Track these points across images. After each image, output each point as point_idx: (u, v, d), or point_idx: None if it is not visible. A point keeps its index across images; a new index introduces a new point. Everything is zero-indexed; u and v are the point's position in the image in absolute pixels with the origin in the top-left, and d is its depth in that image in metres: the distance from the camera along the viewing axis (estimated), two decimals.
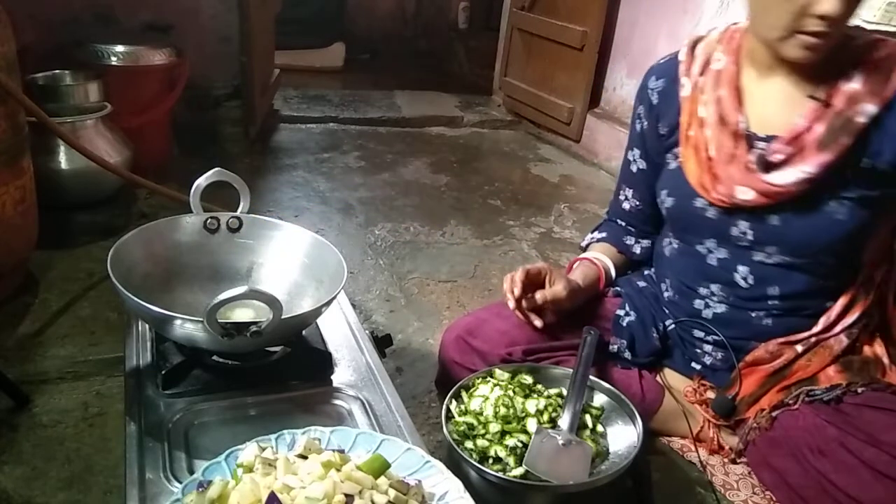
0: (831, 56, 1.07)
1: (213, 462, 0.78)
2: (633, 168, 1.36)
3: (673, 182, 1.25)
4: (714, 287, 1.24)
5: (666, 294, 1.34)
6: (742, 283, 1.21)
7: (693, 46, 1.24)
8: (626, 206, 1.40)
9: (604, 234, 1.44)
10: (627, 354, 1.30)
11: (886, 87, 1.05)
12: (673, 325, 1.32)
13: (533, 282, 1.28)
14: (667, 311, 1.34)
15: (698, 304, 1.27)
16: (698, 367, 1.31)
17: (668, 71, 1.27)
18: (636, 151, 1.35)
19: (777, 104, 1.14)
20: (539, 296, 1.26)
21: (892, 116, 1.06)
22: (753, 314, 1.22)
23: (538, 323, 1.28)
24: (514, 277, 1.26)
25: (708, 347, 1.28)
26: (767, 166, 1.12)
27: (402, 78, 4.19)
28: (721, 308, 1.25)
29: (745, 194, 1.13)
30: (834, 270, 1.19)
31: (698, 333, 1.28)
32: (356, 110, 3.50)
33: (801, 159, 1.09)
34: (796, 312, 1.21)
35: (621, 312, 1.34)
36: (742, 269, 1.21)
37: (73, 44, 2.30)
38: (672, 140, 1.26)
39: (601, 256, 1.40)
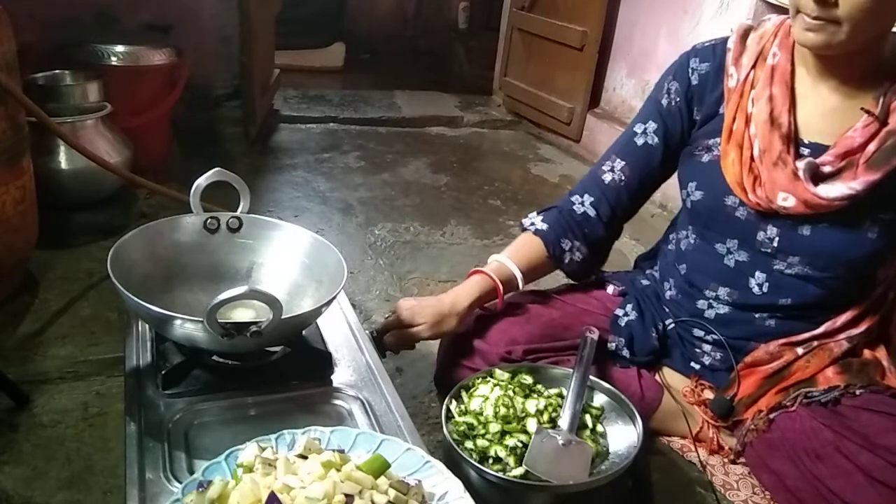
0: (886, 67, 1.06)
1: (213, 462, 0.78)
2: (639, 141, 1.29)
3: (704, 175, 1.21)
4: (722, 291, 1.23)
5: (668, 293, 1.34)
6: (756, 289, 1.20)
7: (744, 36, 1.19)
8: (607, 177, 1.31)
9: (545, 227, 1.32)
10: (626, 353, 1.30)
11: None
12: (672, 325, 1.32)
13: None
14: (667, 310, 1.34)
15: (702, 304, 1.27)
16: (697, 366, 1.31)
17: (713, 55, 1.22)
18: (652, 125, 1.28)
19: (827, 111, 1.12)
20: (396, 338, 1.25)
21: None
22: (757, 316, 1.22)
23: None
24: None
25: (707, 347, 1.28)
26: (816, 177, 1.10)
27: (402, 78, 4.19)
28: (725, 309, 1.24)
29: (787, 201, 1.11)
30: (849, 286, 1.18)
31: (698, 332, 1.28)
32: (356, 110, 3.50)
33: (850, 176, 1.08)
34: (802, 319, 1.21)
35: (620, 312, 1.34)
36: (759, 275, 1.19)
37: (73, 44, 2.29)
38: (707, 129, 1.22)
39: (507, 263, 1.30)
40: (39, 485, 1.13)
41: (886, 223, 1.10)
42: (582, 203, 1.33)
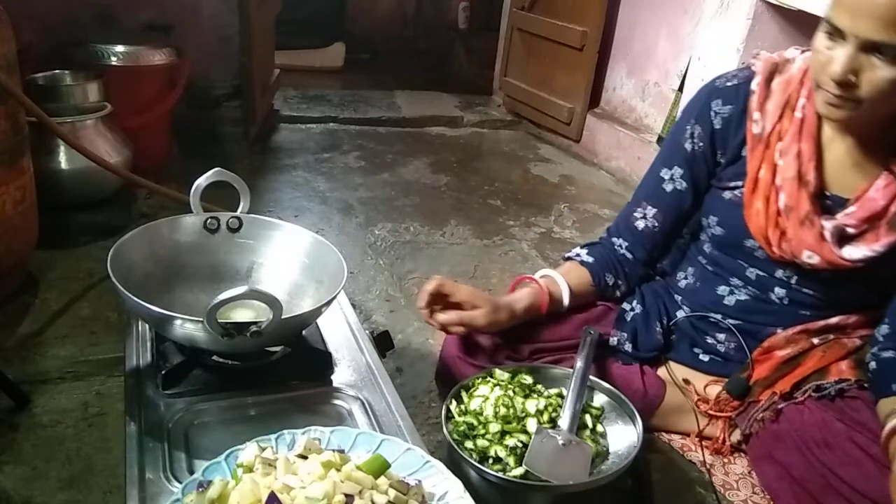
0: None
1: (213, 462, 0.78)
2: (668, 187, 1.28)
3: (725, 214, 1.23)
4: (749, 287, 1.26)
5: (684, 282, 1.34)
6: (776, 300, 1.24)
7: (769, 78, 1.17)
8: (640, 224, 1.31)
9: (591, 259, 1.34)
10: (628, 347, 1.30)
11: None
12: (685, 316, 1.32)
13: (447, 299, 1.22)
14: (679, 300, 1.34)
15: (722, 290, 1.28)
16: (706, 358, 1.31)
17: (736, 98, 1.20)
18: (678, 170, 1.27)
19: (849, 166, 1.14)
20: (454, 316, 1.20)
21: None
22: (777, 307, 1.25)
23: (455, 330, 1.22)
24: (425, 289, 1.21)
25: (721, 336, 1.28)
26: (841, 238, 1.12)
27: (402, 78, 4.19)
28: (746, 298, 1.26)
29: (812, 259, 1.13)
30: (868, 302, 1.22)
31: (713, 318, 1.28)
32: (356, 110, 3.50)
33: (873, 238, 1.11)
34: (821, 318, 1.24)
35: (627, 307, 1.35)
36: (779, 290, 1.23)
37: (73, 44, 2.29)
38: (729, 172, 1.23)
39: (557, 279, 1.31)
40: (39, 485, 1.13)
41: None
42: (620, 245, 1.35)
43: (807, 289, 1.21)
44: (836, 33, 0.98)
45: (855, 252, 1.11)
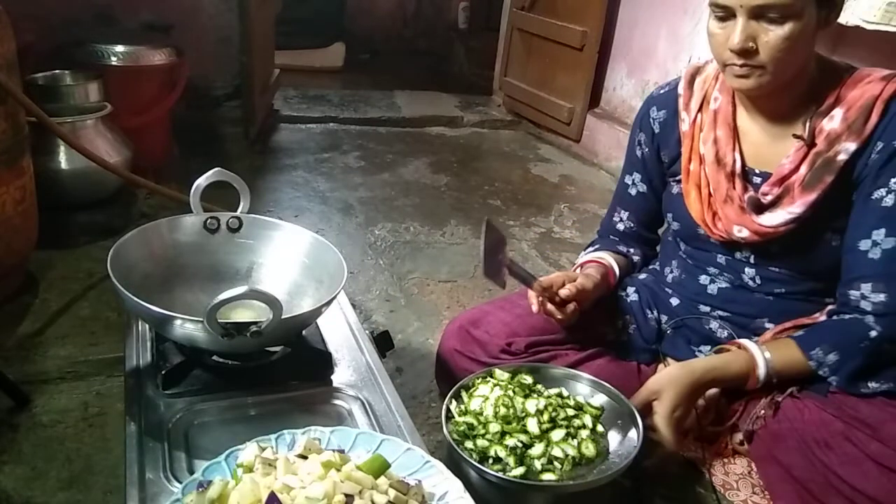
0: (811, 93, 1.13)
1: (213, 462, 0.79)
2: (633, 191, 1.39)
3: (676, 208, 1.31)
4: (724, 273, 1.28)
5: (671, 276, 1.37)
6: (749, 282, 1.26)
7: (691, 80, 1.27)
8: (620, 227, 1.43)
9: (597, 247, 1.44)
10: (632, 329, 1.33)
11: (865, 126, 1.08)
12: (679, 303, 1.34)
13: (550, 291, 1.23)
14: (669, 292, 1.36)
15: (704, 279, 1.31)
16: (702, 356, 1.31)
17: (668, 103, 1.31)
18: (636, 175, 1.38)
19: (768, 142, 1.19)
20: (565, 291, 1.21)
21: (869, 151, 1.09)
22: (756, 296, 1.26)
23: (560, 316, 1.23)
24: (531, 294, 1.22)
25: (714, 325, 1.30)
26: (758, 208, 1.17)
27: (402, 78, 4.19)
28: (725, 284, 1.29)
29: (741, 232, 1.19)
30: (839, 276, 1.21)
31: (704, 308, 1.31)
32: (356, 110, 3.51)
33: (789, 201, 1.15)
34: (803, 299, 1.25)
35: (622, 293, 1.38)
36: (749, 270, 1.26)
37: (73, 44, 2.30)
38: (673, 169, 1.32)
39: (606, 256, 1.40)
40: (39, 485, 1.13)
41: (843, 229, 1.15)
42: (612, 238, 1.45)
43: (771, 266, 1.23)
44: (725, 12, 1.06)
45: (774, 218, 1.15)
